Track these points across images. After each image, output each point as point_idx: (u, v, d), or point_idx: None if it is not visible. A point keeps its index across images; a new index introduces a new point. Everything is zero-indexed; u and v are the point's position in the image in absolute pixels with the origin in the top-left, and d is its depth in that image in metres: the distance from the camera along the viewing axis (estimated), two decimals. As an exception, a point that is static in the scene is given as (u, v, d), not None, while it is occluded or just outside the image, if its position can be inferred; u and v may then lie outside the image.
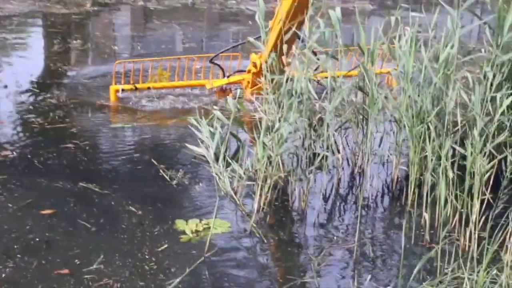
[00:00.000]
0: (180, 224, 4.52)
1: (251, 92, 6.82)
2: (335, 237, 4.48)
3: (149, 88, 7.03)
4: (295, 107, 4.86)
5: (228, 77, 7.14)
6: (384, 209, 4.98)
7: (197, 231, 4.44)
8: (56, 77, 7.94)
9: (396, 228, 4.59)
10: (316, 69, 5.53)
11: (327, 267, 4.09)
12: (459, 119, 4.57)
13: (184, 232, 4.42)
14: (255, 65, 6.89)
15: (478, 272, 3.35)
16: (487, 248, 3.47)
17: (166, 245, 4.23)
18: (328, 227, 4.67)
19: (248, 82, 7.00)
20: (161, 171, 5.28)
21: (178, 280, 3.84)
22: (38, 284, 3.77)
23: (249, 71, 7.00)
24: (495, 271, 3.40)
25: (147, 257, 4.11)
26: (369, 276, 3.91)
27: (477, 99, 4.32)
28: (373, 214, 4.89)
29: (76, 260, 4.03)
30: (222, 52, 7.27)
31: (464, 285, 3.27)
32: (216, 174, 4.73)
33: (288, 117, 4.79)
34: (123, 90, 6.97)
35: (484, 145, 4.38)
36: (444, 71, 4.56)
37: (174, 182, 5.14)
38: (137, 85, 7.01)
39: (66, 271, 3.90)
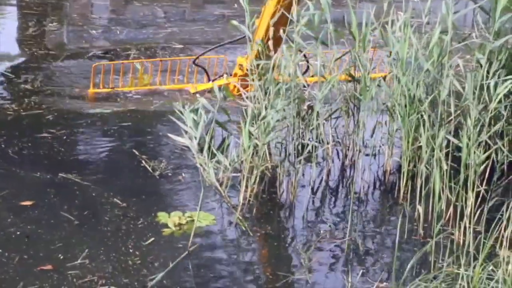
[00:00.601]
0: (162, 217, 4.51)
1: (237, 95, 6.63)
2: (324, 231, 4.48)
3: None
4: (282, 94, 4.85)
5: (213, 81, 6.83)
6: (376, 202, 5.00)
7: (180, 224, 4.43)
8: (31, 61, 7.86)
9: (389, 222, 4.61)
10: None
11: (316, 262, 4.09)
12: (452, 108, 4.57)
13: (166, 226, 4.40)
14: (241, 68, 6.62)
15: (474, 267, 3.36)
16: (483, 243, 3.48)
17: (149, 240, 4.22)
18: (317, 221, 4.67)
19: (234, 86, 6.62)
20: (143, 161, 5.25)
21: (160, 275, 3.83)
22: (20, 281, 3.75)
23: (235, 75, 6.70)
24: (491, 267, 3.41)
25: (131, 251, 4.11)
26: (361, 272, 3.91)
27: (470, 87, 4.33)
28: (365, 207, 4.89)
29: (60, 255, 4.02)
30: (207, 51, 7.02)
31: (460, 281, 3.27)
32: (200, 165, 4.71)
33: (275, 104, 4.78)
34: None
35: (479, 135, 4.39)
36: (439, 58, 4.55)
37: (157, 173, 5.11)
38: (117, 88, 6.80)
39: (49, 266, 3.89)
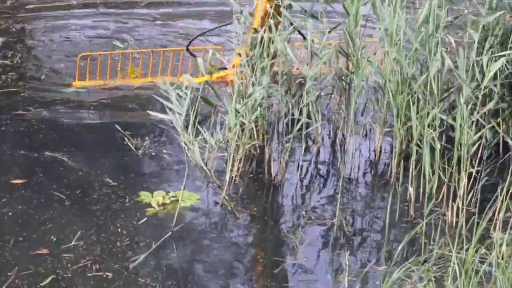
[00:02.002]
0: (145, 196, 4.52)
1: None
2: (313, 212, 4.50)
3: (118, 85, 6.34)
4: (268, 70, 4.83)
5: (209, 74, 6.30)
6: (367, 182, 5.01)
7: (164, 204, 4.45)
8: (8, 35, 7.76)
9: (380, 203, 4.64)
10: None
11: (306, 244, 4.11)
12: (436, 87, 4.57)
13: (150, 205, 4.42)
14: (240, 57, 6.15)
15: (467, 250, 3.37)
16: (476, 225, 3.49)
17: (137, 219, 4.28)
18: (306, 202, 4.70)
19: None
20: (126, 139, 5.24)
21: (142, 257, 3.87)
22: (16, 265, 3.79)
23: (234, 66, 6.15)
24: (484, 250, 3.42)
25: (118, 231, 4.17)
26: (347, 253, 3.94)
27: (462, 64, 4.32)
28: (355, 187, 4.92)
29: (53, 237, 4.06)
30: (199, 35, 6.49)
31: (452, 263, 3.28)
32: (185, 143, 4.70)
33: (262, 81, 4.77)
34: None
35: (472, 113, 4.39)
36: (433, 34, 4.53)
37: (140, 152, 5.11)
38: (104, 81, 6.28)
39: (45, 250, 3.93)
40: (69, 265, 3.81)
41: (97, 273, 3.76)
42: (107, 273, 3.77)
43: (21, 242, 4.01)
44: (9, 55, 7.01)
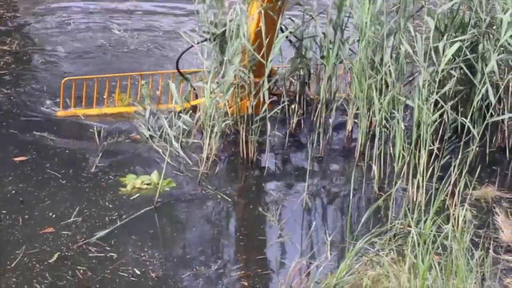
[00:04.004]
0: (128, 179, 4.69)
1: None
2: (284, 189, 4.73)
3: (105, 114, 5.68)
4: (238, 50, 4.95)
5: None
6: (337, 160, 5.25)
7: (145, 184, 4.64)
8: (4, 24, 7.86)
9: (346, 180, 4.84)
10: None
11: (278, 219, 4.34)
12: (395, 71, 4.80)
13: (130, 187, 4.62)
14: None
15: (425, 222, 3.57)
16: (434, 199, 3.72)
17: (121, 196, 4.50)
18: (277, 179, 4.93)
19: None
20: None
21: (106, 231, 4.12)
22: (23, 244, 3.99)
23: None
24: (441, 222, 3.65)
25: (110, 206, 4.42)
26: (318, 226, 4.19)
27: (420, 50, 4.56)
28: (324, 165, 5.14)
29: (51, 214, 4.27)
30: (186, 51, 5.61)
31: (411, 235, 3.46)
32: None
33: (234, 61, 4.92)
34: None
35: (430, 95, 4.64)
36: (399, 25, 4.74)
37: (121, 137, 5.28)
38: (91, 111, 5.66)
39: (50, 229, 4.13)
40: (70, 245, 4.01)
41: (101, 253, 3.97)
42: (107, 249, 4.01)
43: (27, 220, 4.21)
44: (8, 41, 7.12)
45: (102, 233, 4.10)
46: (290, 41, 5.52)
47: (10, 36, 7.29)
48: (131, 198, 4.49)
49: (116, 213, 4.33)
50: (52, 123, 5.47)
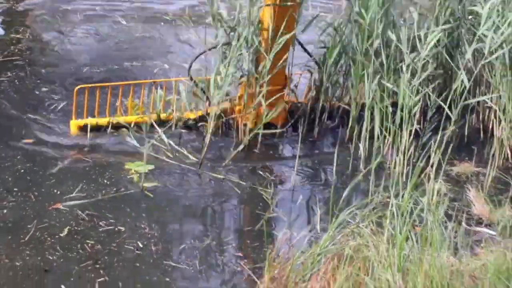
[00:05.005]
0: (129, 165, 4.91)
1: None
2: (278, 168, 5.04)
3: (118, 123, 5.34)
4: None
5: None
6: (327, 141, 5.50)
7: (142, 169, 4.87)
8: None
9: (336, 160, 4.97)
10: None
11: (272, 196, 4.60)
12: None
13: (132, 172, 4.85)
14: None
15: (403, 195, 3.76)
16: (411, 174, 3.96)
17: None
18: (269, 160, 5.19)
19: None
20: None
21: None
22: (34, 219, 4.25)
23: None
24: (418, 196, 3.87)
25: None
26: (302, 199, 4.50)
27: (404, 37, 4.82)
28: (314, 146, 5.40)
29: (57, 191, 4.55)
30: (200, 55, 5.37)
31: (390, 207, 3.65)
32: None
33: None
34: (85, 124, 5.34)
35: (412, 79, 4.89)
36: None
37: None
38: (102, 120, 5.38)
39: (58, 205, 4.39)
40: (73, 223, 4.26)
41: (109, 227, 4.24)
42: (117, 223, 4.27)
43: (36, 197, 4.48)
44: (21, 30, 7.35)
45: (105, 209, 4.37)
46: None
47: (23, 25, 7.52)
48: (128, 177, 4.75)
49: (115, 189, 4.62)
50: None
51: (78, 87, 5.35)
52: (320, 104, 5.46)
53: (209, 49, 5.19)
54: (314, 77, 5.48)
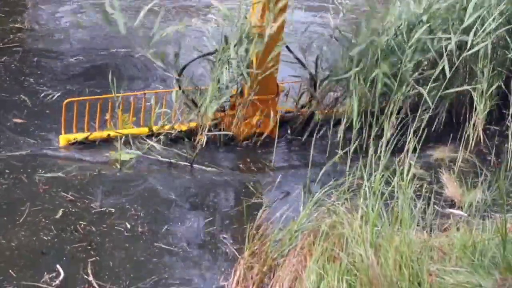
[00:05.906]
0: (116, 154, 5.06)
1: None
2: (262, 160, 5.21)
3: (108, 135, 5.27)
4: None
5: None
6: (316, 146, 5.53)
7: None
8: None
9: (315, 145, 5.17)
10: None
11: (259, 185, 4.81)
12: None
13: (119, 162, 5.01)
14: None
15: (375, 176, 3.93)
16: (383, 156, 4.15)
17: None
18: (257, 153, 5.36)
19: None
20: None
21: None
22: (27, 202, 4.40)
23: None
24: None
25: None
26: (283, 181, 4.74)
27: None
28: (301, 139, 5.54)
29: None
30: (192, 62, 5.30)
31: (363, 186, 3.79)
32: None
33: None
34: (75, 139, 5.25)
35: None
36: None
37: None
38: (93, 134, 5.29)
39: (47, 187, 4.57)
40: (66, 209, 4.39)
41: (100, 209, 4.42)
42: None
43: (26, 178, 4.64)
44: (19, 20, 7.49)
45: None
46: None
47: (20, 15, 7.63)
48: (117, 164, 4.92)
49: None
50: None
51: (67, 100, 5.22)
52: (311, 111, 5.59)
53: (197, 58, 5.23)
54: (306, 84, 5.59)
